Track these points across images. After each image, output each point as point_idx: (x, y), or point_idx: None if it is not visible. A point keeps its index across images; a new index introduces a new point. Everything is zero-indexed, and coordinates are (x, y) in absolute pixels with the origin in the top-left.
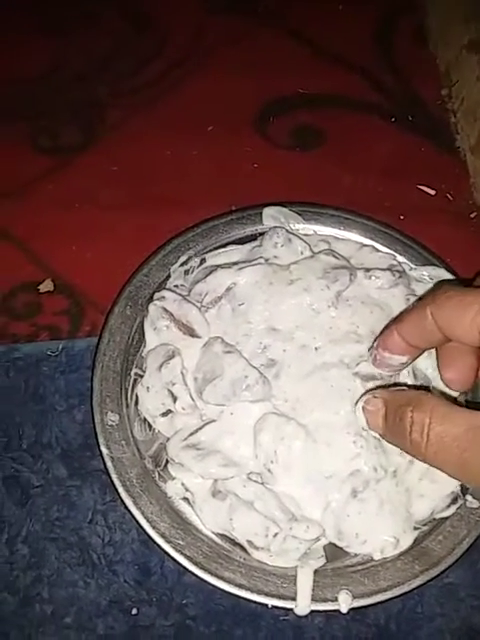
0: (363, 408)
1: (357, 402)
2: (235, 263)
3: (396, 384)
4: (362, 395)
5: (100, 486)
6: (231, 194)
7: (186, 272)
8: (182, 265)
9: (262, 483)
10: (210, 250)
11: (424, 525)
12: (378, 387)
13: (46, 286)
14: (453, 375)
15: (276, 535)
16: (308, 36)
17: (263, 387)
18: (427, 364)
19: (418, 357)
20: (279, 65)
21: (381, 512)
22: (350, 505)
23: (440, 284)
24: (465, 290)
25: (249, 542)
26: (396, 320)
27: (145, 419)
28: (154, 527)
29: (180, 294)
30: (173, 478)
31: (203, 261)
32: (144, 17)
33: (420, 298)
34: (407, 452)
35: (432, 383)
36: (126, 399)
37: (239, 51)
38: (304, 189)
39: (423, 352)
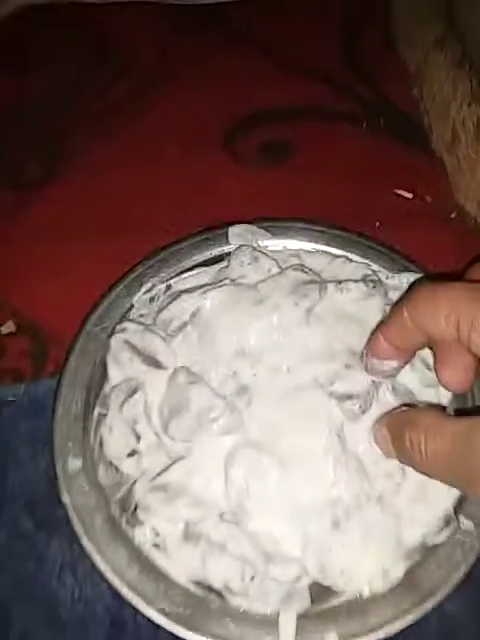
0: (375, 440)
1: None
2: (202, 286)
3: (404, 405)
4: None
5: (68, 537)
6: (201, 216)
7: (151, 300)
8: (146, 293)
9: (236, 522)
10: (175, 275)
11: (415, 553)
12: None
13: (8, 327)
14: (450, 376)
15: (253, 578)
16: (274, 50)
17: (231, 418)
18: (410, 378)
19: (410, 359)
20: (245, 81)
21: (366, 542)
22: (332, 537)
23: (418, 282)
24: (436, 286)
25: (226, 587)
26: (381, 325)
27: (111, 462)
28: (122, 579)
29: (143, 324)
30: (142, 523)
31: (169, 287)
32: (108, 41)
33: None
34: (424, 474)
35: (417, 398)
36: (90, 441)
37: (205, 69)
38: (275, 204)
39: (414, 354)
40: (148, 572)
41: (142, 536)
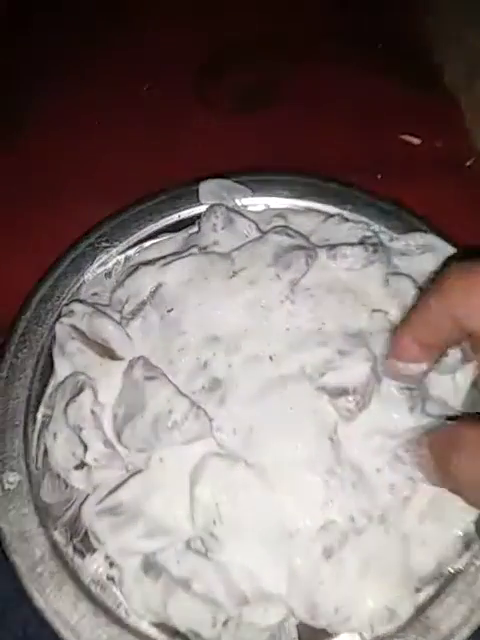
0: (416, 464)
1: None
2: (165, 257)
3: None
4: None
5: (9, 570)
6: (167, 171)
7: (106, 275)
8: (100, 266)
9: (204, 553)
10: (135, 244)
11: (428, 584)
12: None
13: None
14: None
15: (226, 623)
16: None
17: (197, 422)
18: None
19: (441, 358)
20: (216, 7)
21: (367, 574)
22: (323, 569)
23: (446, 263)
24: (470, 266)
25: (193, 633)
26: (403, 321)
27: (58, 474)
28: (67, 623)
29: (96, 305)
30: (94, 551)
31: (127, 259)
32: None
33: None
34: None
35: (429, 389)
36: (32, 451)
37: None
38: (256, 155)
39: (445, 352)
40: (98, 613)
41: (92, 567)
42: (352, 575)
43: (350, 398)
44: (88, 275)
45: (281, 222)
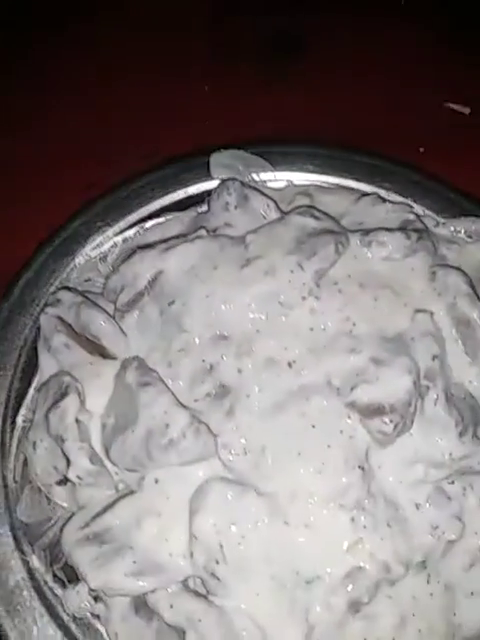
0: None
1: None
2: (168, 241)
3: None
4: None
5: None
6: (174, 142)
7: (101, 259)
8: (95, 248)
9: (205, 596)
10: (135, 223)
11: None
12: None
13: None
14: None
15: None
16: None
17: (197, 440)
18: (472, 375)
19: None
20: None
21: (403, 633)
22: (349, 628)
23: None
24: None
25: None
26: None
27: (39, 488)
28: None
29: (87, 294)
30: (77, 582)
31: (125, 241)
32: None
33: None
34: None
35: None
36: (10, 461)
37: None
38: (276, 123)
39: None
40: None
41: (75, 603)
42: (384, 634)
43: (386, 419)
44: (80, 259)
45: (306, 201)
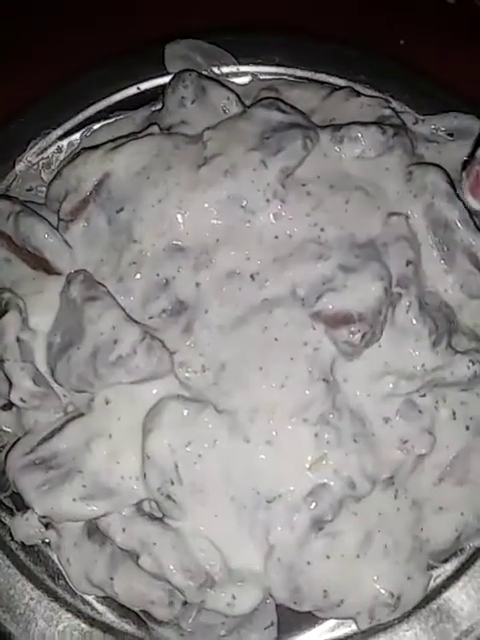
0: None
1: None
2: (116, 140)
3: None
4: None
5: None
6: (125, 28)
7: (45, 166)
8: (38, 155)
9: (160, 519)
10: (81, 124)
11: (445, 561)
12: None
13: None
14: None
15: (186, 604)
16: None
17: (149, 357)
18: (447, 284)
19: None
20: None
21: (367, 550)
22: (311, 546)
23: None
24: None
25: (146, 614)
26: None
27: None
28: None
29: (24, 203)
30: (26, 509)
31: (72, 146)
32: None
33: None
34: None
35: (457, 316)
36: None
37: None
38: (241, 10)
39: None
40: (32, 586)
41: (24, 530)
42: (348, 552)
43: (354, 328)
44: (20, 165)
45: (272, 95)
